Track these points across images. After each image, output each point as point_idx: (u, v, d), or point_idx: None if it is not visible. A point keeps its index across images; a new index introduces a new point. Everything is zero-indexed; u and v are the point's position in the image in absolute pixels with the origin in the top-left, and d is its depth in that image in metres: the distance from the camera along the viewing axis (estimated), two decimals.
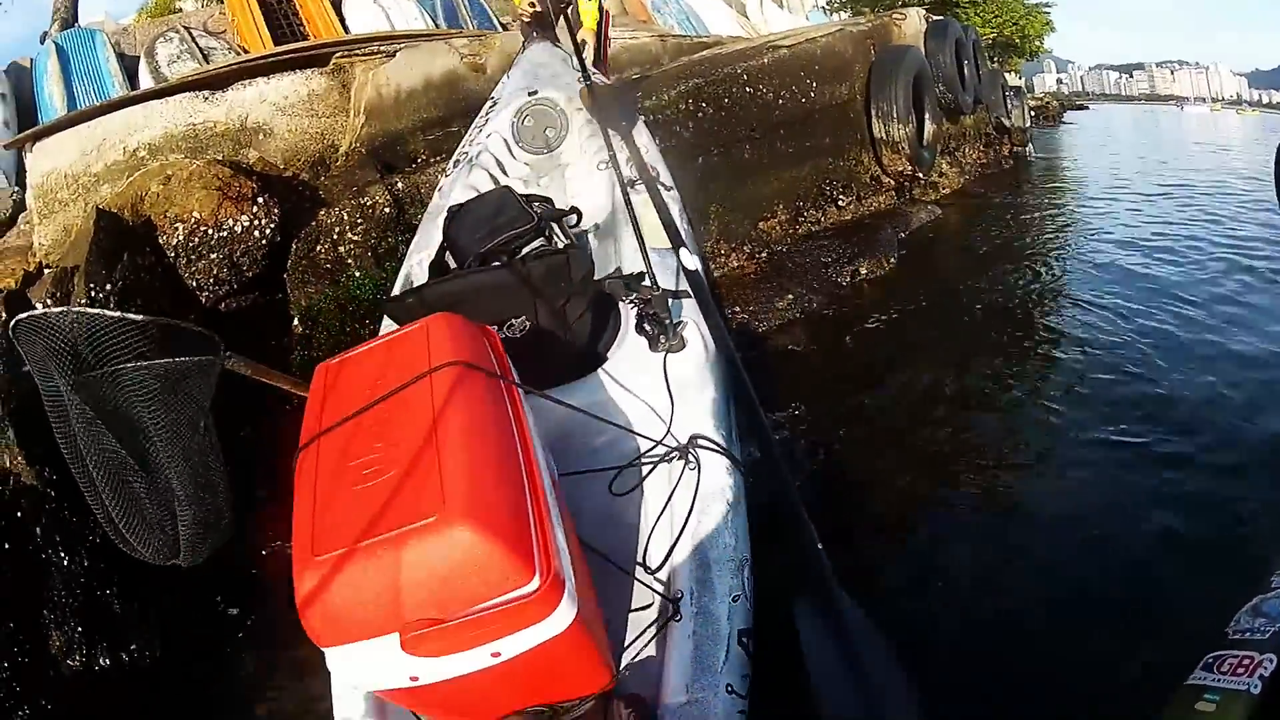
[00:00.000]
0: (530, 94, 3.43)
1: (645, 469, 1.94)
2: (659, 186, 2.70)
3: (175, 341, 1.67)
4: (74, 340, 1.59)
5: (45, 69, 5.87)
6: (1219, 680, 1.52)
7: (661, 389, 2.04)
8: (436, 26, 5.92)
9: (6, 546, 2.19)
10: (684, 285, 2.29)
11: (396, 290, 2.81)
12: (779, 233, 4.61)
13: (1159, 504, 2.64)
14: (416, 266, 2.88)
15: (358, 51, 4.12)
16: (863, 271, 4.55)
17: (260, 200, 3.55)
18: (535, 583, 1.25)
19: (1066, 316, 4.25)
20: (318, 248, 3.58)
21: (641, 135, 3.16)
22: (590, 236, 2.95)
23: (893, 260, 4.73)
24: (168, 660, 2.34)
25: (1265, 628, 1.61)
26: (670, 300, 2.16)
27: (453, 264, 2.88)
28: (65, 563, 2.28)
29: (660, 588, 1.70)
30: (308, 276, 3.53)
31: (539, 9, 3.67)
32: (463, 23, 6.90)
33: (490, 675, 1.31)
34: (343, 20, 6.36)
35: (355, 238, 3.62)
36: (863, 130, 5.47)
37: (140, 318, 1.60)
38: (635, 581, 1.72)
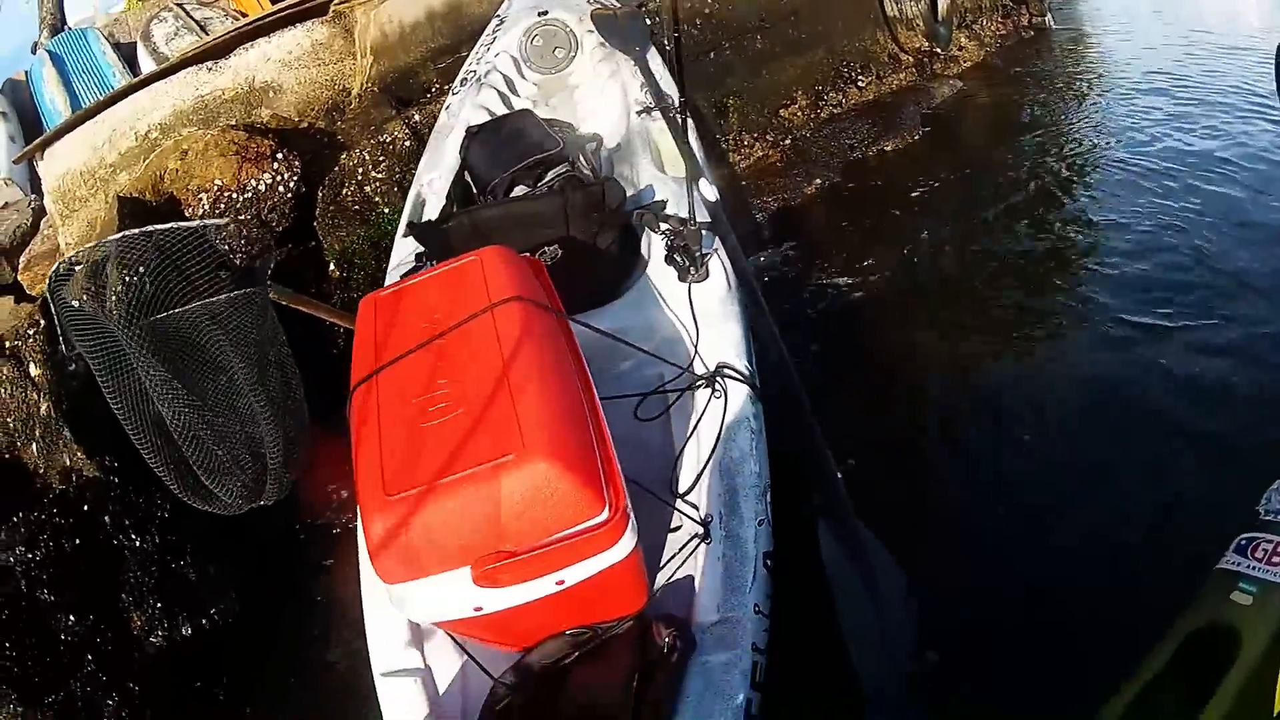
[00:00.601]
0: (540, 14, 3.39)
1: (672, 396, 1.97)
2: (675, 114, 2.66)
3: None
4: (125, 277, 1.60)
5: (42, 76, 5.83)
6: (1254, 568, 1.46)
7: (686, 317, 2.07)
8: None
9: (79, 541, 2.23)
10: (705, 216, 2.28)
11: (407, 211, 2.80)
12: (801, 118, 4.52)
13: (1185, 382, 2.61)
14: (427, 187, 2.87)
15: None
16: (888, 149, 4.45)
17: (279, 156, 3.56)
18: (605, 513, 1.30)
19: (1097, 188, 4.09)
20: (344, 191, 3.59)
21: (655, 61, 3.12)
22: (607, 161, 2.93)
23: (917, 136, 4.62)
24: (245, 616, 2.39)
25: None
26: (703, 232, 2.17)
27: (473, 186, 2.87)
28: (137, 544, 2.33)
29: (691, 512, 1.73)
30: (338, 221, 3.55)
31: None
32: None
33: (548, 601, 1.36)
34: None
35: (379, 175, 3.62)
36: (875, 10, 5.27)
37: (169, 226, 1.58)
38: (663, 505, 1.75)
